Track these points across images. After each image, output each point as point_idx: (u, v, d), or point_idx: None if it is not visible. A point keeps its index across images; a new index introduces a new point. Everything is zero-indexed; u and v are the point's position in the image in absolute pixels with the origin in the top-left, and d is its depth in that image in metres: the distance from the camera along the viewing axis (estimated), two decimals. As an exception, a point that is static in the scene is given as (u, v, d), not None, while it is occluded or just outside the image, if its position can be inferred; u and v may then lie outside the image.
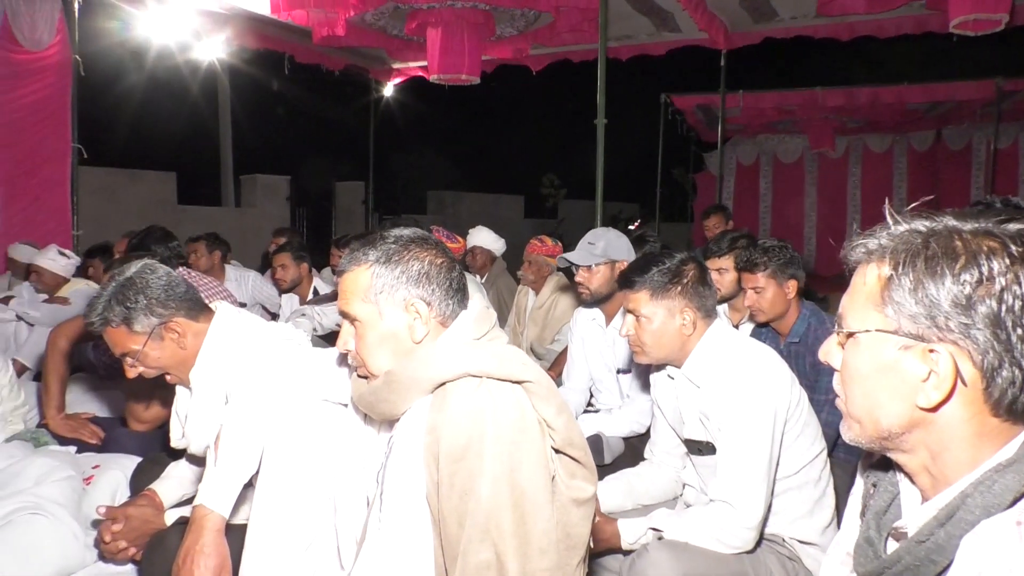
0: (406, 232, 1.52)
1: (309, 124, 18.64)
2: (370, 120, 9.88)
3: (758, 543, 1.94)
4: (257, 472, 1.73)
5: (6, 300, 4.89)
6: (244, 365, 1.91)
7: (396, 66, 8.88)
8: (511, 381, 1.41)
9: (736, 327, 3.30)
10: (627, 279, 2.11)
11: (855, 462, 1.26)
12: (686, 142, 12.03)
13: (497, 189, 16.96)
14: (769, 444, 1.90)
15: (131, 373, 2.00)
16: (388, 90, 9.51)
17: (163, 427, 2.89)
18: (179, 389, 2.12)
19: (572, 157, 18.53)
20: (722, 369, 2.00)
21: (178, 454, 2.31)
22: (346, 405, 1.72)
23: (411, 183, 17.08)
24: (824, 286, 7.22)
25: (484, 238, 5.41)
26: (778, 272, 2.80)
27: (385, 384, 1.45)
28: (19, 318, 4.74)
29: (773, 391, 1.95)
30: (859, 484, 1.21)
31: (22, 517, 2.14)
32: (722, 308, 3.47)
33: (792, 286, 2.81)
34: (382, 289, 1.46)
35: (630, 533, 2.00)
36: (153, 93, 14.82)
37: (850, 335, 1.00)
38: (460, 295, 1.52)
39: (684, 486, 2.26)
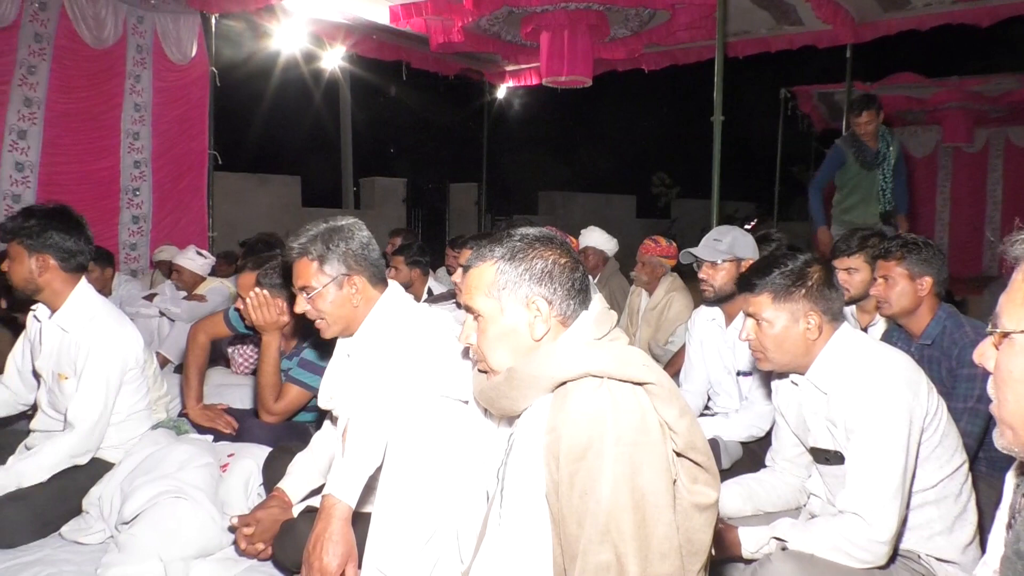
0: (532, 231, 1.54)
1: (424, 127, 19.11)
2: (483, 122, 10.03)
3: (892, 559, 1.84)
4: (382, 464, 1.78)
5: (150, 297, 5.27)
6: (398, 345, 1.99)
7: (509, 69, 8.98)
8: (632, 382, 1.39)
9: (865, 330, 3.15)
10: (747, 282, 2.04)
11: (999, 476, 1.17)
12: (806, 138, 11.56)
13: (609, 189, 16.85)
14: (904, 454, 1.80)
15: (299, 307, 2.12)
16: (501, 92, 9.63)
17: (291, 419, 3.04)
18: (339, 353, 2.22)
19: (685, 155, 18.17)
20: (851, 375, 1.90)
21: (303, 445, 2.43)
22: (466, 402, 1.76)
23: (523, 184, 17.21)
24: (959, 288, 6.75)
25: (596, 238, 5.39)
26: (914, 266, 2.64)
27: (506, 381, 1.47)
28: (162, 314, 5.10)
29: (908, 397, 1.84)
30: (1007, 497, 1.13)
31: (167, 500, 2.30)
32: (849, 310, 3.31)
33: (926, 283, 2.64)
34: (505, 285, 1.48)
35: (751, 541, 1.94)
36: (280, 101, 15.59)
37: (1005, 335, 0.93)
38: (582, 295, 1.52)
39: (809, 496, 2.17)
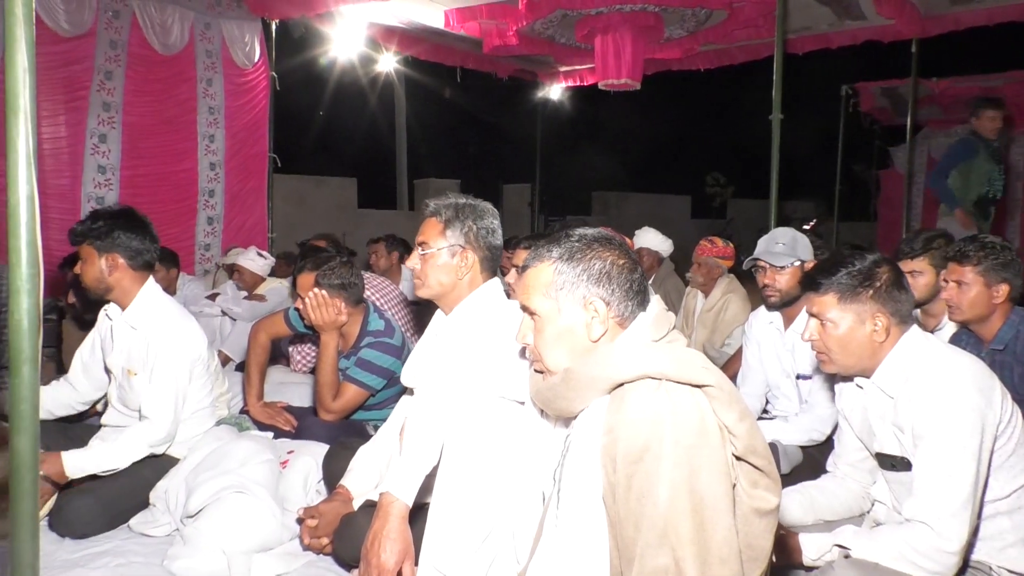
0: (590, 231, 1.54)
1: (478, 129, 19.22)
2: (536, 123, 10.03)
3: (961, 570, 1.77)
4: (439, 463, 1.80)
5: (213, 297, 5.41)
6: (472, 341, 2.03)
7: (563, 69, 8.97)
8: (691, 384, 1.38)
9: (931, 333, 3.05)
10: (812, 280, 1.99)
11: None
12: (869, 136, 11.25)
13: (663, 189, 16.69)
14: (975, 462, 1.74)
15: (410, 261, 2.21)
16: (555, 93, 9.62)
17: (349, 417, 3.09)
18: (430, 330, 2.28)
19: (742, 155, 17.88)
20: (920, 379, 1.84)
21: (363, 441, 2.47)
22: (523, 403, 1.76)
23: (576, 184, 17.16)
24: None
25: (651, 239, 5.34)
26: (990, 271, 2.54)
27: (563, 381, 1.47)
28: (224, 313, 5.23)
29: (980, 403, 1.78)
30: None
31: (229, 495, 2.36)
32: (914, 313, 3.22)
33: (1003, 291, 2.54)
34: (562, 286, 1.48)
35: (813, 548, 1.90)
36: (336, 104, 15.87)
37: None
38: (640, 296, 1.51)
39: (873, 503, 2.11)
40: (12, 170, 1.48)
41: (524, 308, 1.55)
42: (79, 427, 2.91)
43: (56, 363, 4.19)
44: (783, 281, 2.92)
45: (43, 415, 2.80)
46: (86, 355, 2.91)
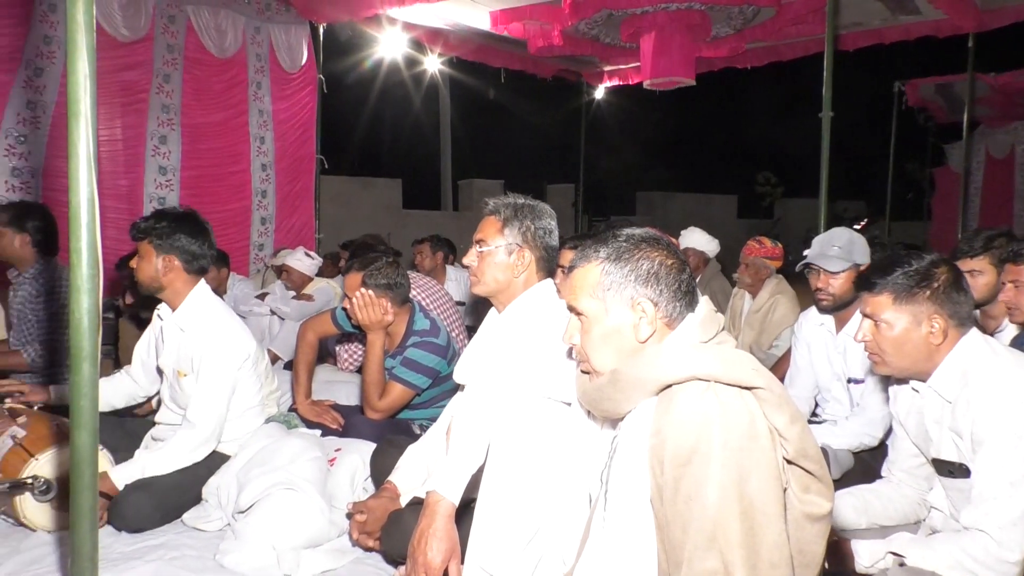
0: (637, 231, 1.53)
1: (522, 129, 19.23)
2: (581, 123, 10.00)
3: (1021, 580, 1.72)
4: (485, 463, 1.81)
5: (262, 297, 5.51)
6: (521, 342, 2.04)
7: (608, 69, 8.92)
8: (740, 387, 1.36)
9: (990, 335, 2.96)
10: (867, 280, 1.95)
11: None
12: (922, 134, 10.97)
13: (708, 189, 16.50)
14: (1037, 469, 1.68)
15: (467, 258, 2.24)
16: (599, 93, 9.58)
17: (395, 416, 3.11)
18: (484, 327, 2.31)
19: (790, 153, 17.59)
20: (979, 383, 1.79)
21: (410, 441, 2.49)
22: (569, 404, 1.76)
23: (620, 184, 17.07)
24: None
25: (697, 239, 5.28)
26: None
27: (610, 382, 1.46)
28: (272, 313, 5.33)
29: (1044, 409, 1.72)
30: None
31: (279, 491, 2.40)
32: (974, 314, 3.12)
33: None
34: (610, 286, 1.47)
35: (866, 555, 1.85)
36: (381, 106, 16.03)
37: None
38: (689, 297, 1.49)
39: (930, 509, 2.06)
40: (73, 173, 1.53)
41: (571, 308, 1.54)
42: (136, 422, 2.99)
43: (113, 360, 4.32)
44: (837, 285, 2.85)
45: (104, 407, 2.90)
46: (143, 352, 2.98)
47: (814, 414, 3.19)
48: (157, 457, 2.59)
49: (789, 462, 1.37)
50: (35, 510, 2.35)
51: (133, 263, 2.76)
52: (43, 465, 2.35)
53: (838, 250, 2.85)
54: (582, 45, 7.25)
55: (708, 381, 1.36)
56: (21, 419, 2.58)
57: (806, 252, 2.96)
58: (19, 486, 2.27)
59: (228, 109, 7.10)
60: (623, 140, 18.74)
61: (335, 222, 9.25)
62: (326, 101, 7.68)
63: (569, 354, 1.71)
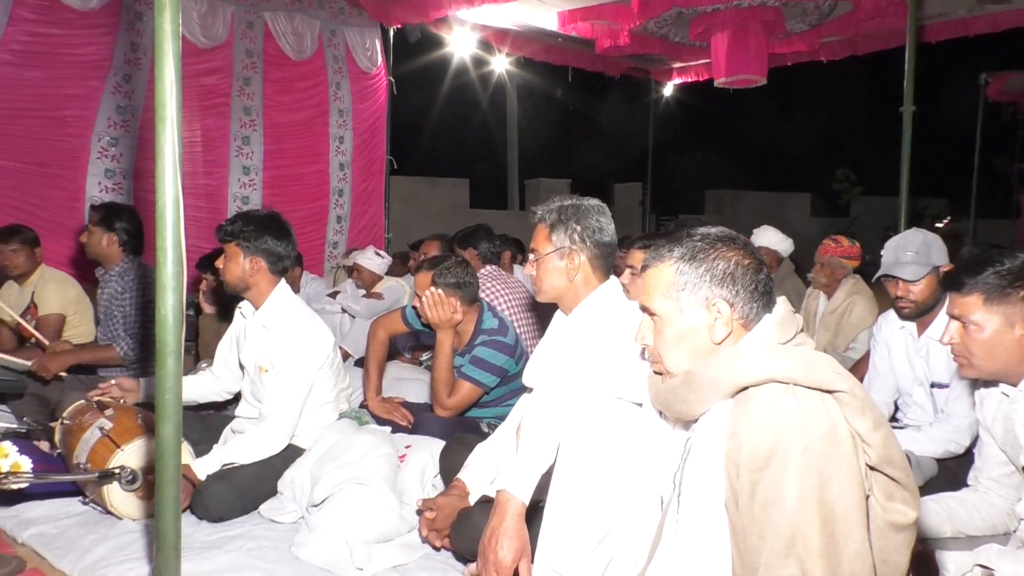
0: (713, 230, 1.50)
1: (588, 128, 19.13)
2: (648, 120, 9.90)
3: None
4: (555, 462, 1.80)
5: (334, 295, 5.64)
6: (589, 342, 2.03)
7: (676, 66, 8.80)
8: (821, 390, 1.32)
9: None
10: (955, 280, 1.86)
11: None
12: (1010, 127, 10.47)
13: (780, 187, 16.10)
14: None
15: (527, 267, 2.26)
16: (668, 90, 9.46)
17: (464, 414, 3.14)
18: (551, 331, 2.32)
19: (865, 150, 17.03)
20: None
21: (478, 439, 2.51)
22: (640, 404, 1.74)
23: (689, 183, 16.82)
24: None
25: (770, 238, 5.16)
26: None
27: (683, 384, 1.44)
28: (343, 310, 5.44)
29: None
30: None
31: (351, 486, 2.44)
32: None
33: None
34: (684, 286, 1.45)
35: (953, 567, 1.78)
36: (449, 107, 16.18)
37: None
38: (766, 298, 1.46)
39: (1020, 521, 1.96)
40: (160, 175, 1.58)
41: (644, 309, 1.53)
42: (216, 417, 3.09)
43: (194, 356, 4.47)
44: (917, 291, 2.73)
45: (186, 402, 3.01)
46: (225, 350, 3.08)
47: (894, 419, 3.07)
48: (233, 451, 2.67)
49: (872, 468, 1.33)
50: (122, 499, 2.45)
51: (219, 263, 2.85)
52: (129, 456, 2.45)
53: (913, 255, 2.73)
54: (650, 44, 7.17)
55: (787, 384, 1.32)
56: (108, 412, 2.69)
57: (882, 258, 2.84)
58: (107, 476, 2.37)
59: (309, 109, 7.34)
60: (692, 137, 18.47)
61: (403, 222, 9.38)
62: (395, 102, 7.81)
63: (642, 355, 1.70)
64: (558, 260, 2.18)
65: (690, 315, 1.45)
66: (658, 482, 1.64)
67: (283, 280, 2.88)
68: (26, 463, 2.16)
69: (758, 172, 18.69)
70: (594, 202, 2.25)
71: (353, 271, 5.81)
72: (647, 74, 9.13)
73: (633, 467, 1.71)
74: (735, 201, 14.96)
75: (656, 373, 1.54)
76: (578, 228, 2.18)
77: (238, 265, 2.78)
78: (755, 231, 5.24)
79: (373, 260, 5.66)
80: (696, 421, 1.47)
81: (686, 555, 1.41)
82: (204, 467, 2.60)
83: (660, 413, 1.63)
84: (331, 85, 7.43)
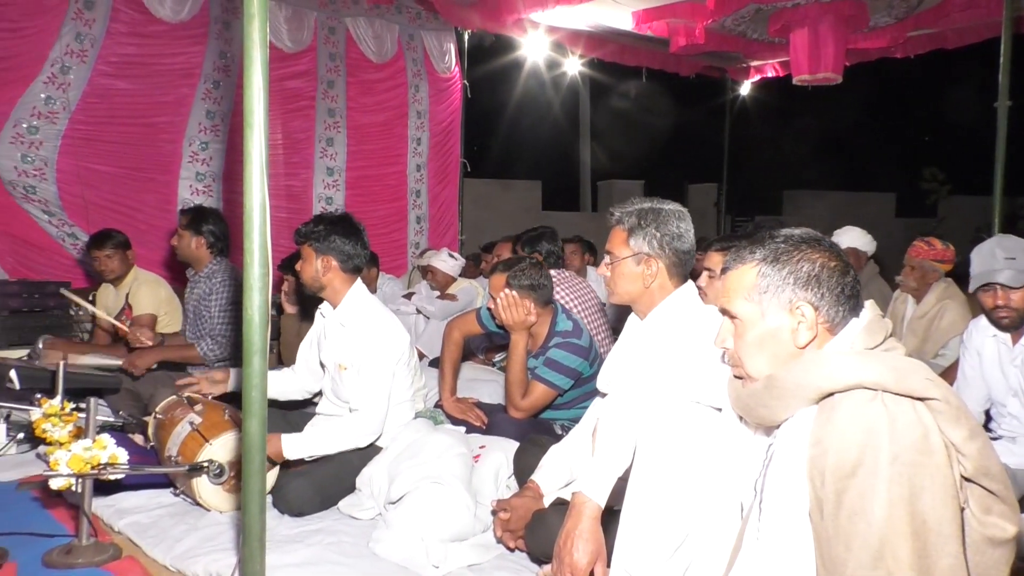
0: (796, 232, 1.47)
1: (662, 128, 18.89)
2: (724, 120, 9.71)
3: None
4: (631, 466, 1.79)
5: (409, 296, 5.73)
6: (665, 346, 2.02)
7: (753, 64, 8.61)
8: (912, 397, 1.27)
9: None
10: None
11: None
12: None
13: (863, 186, 15.55)
14: None
15: (600, 268, 2.25)
16: (744, 89, 9.27)
17: (538, 416, 3.14)
18: (625, 335, 2.31)
19: (955, 147, 16.29)
20: None
21: (553, 440, 2.51)
22: (719, 409, 1.71)
23: (765, 183, 16.40)
24: None
25: (854, 238, 4.99)
26: None
27: (765, 388, 1.41)
28: (418, 311, 5.52)
29: None
30: None
31: (427, 485, 2.47)
32: None
33: None
34: (767, 289, 1.42)
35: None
36: (521, 109, 16.22)
37: None
38: (852, 301, 1.42)
39: None
40: (248, 179, 1.64)
41: (724, 311, 1.50)
42: (297, 414, 3.18)
43: (276, 355, 4.61)
44: (1017, 299, 2.60)
45: (277, 396, 3.11)
46: (306, 350, 3.17)
47: (987, 429, 2.93)
48: (324, 436, 2.72)
49: (967, 480, 1.27)
50: (210, 491, 2.54)
51: (298, 266, 2.94)
52: (216, 450, 2.54)
53: (1011, 260, 2.59)
54: (727, 41, 7.03)
55: (875, 390, 1.28)
56: (198, 407, 2.80)
57: (972, 267, 2.70)
58: (196, 469, 2.47)
59: (389, 111, 7.54)
60: (769, 137, 18.00)
61: (476, 224, 9.45)
62: (469, 105, 7.89)
63: (721, 358, 1.67)
64: (634, 265, 2.15)
65: (773, 318, 1.42)
66: (738, 488, 1.61)
67: (359, 280, 2.95)
68: (123, 455, 2.27)
69: (838, 171, 18.08)
70: (674, 206, 2.21)
71: (427, 273, 5.89)
72: (723, 73, 8.96)
73: (712, 472, 1.68)
74: (814, 201, 14.51)
75: (736, 377, 1.51)
76: (657, 234, 2.15)
77: (312, 265, 2.87)
78: (837, 231, 5.07)
79: (447, 262, 5.73)
80: (778, 427, 1.44)
81: (768, 565, 1.38)
82: (293, 445, 2.65)
83: (740, 418, 1.60)
84: (410, 87, 7.59)
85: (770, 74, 8.63)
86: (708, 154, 11.55)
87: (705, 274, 2.91)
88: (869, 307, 1.45)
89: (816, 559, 1.32)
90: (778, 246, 1.44)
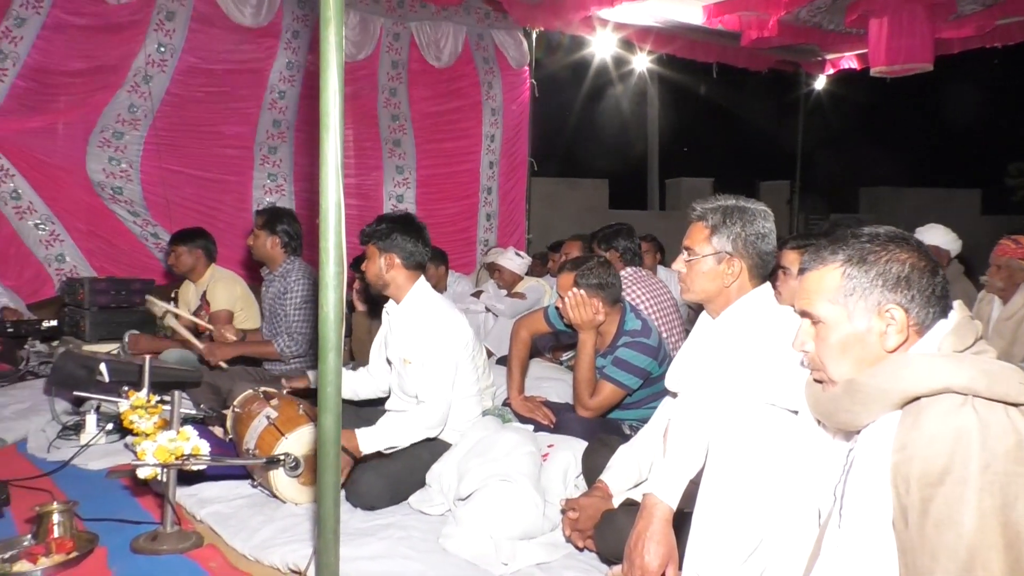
0: (881, 230, 1.42)
1: (733, 125, 18.53)
2: (798, 115, 9.46)
3: None
4: (704, 468, 1.76)
5: (477, 295, 5.77)
6: (739, 346, 1.98)
7: (829, 57, 8.37)
8: (1005, 403, 1.22)
9: None
10: None
11: None
12: None
13: (946, 183, 14.93)
14: None
15: (676, 264, 2.20)
16: (819, 83, 9.01)
17: (606, 415, 3.12)
18: (695, 334, 2.27)
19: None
20: None
21: (623, 438, 2.49)
22: (796, 412, 1.67)
23: (841, 180, 15.91)
24: None
25: (938, 236, 4.80)
26: None
27: (846, 393, 1.37)
28: (487, 309, 5.56)
29: None
30: None
31: (496, 483, 2.48)
32: None
33: None
34: (853, 291, 1.38)
35: None
36: (589, 107, 16.15)
37: None
38: (942, 303, 1.36)
39: None
40: (323, 180, 1.68)
41: (803, 314, 1.46)
42: (370, 410, 3.24)
43: (348, 351, 4.71)
44: None
45: (351, 396, 3.19)
46: (375, 350, 3.23)
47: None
48: (395, 428, 2.77)
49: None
50: (286, 484, 2.61)
51: (364, 266, 3.01)
52: (292, 444, 2.61)
53: None
54: (802, 33, 6.86)
55: (965, 395, 1.23)
56: (274, 402, 2.88)
57: None
58: (273, 462, 2.54)
59: (462, 110, 7.62)
60: (845, 132, 17.44)
61: (543, 223, 9.45)
62: (536, 104, 7.90)
63: (801, 362, 1.62)
64: (715, 264, 2.10)
65: (859, 322, 1.38)
66: (815, 494, 1.56)
67: (422, 277, 3.00)
68: (205, 447, 2.35)
69: (919, 167, 17.42)
70: (759, 206, 2.14)
71: (494, 271, 5.92)
72: (796, 67, 8.74)
73: (787, 476, 1.64)
74: (893, 198, 14.00)
75: (816, 381, 1.47)
76: (742, 233, 2.09)
77: (375, 263, 2.95)
78: (919, 229, 4.89)
79: (513, 260, 5.75)
80: (859, 432, 1.40)
81: (848, 574, 1.34)
82: (367, 439, 2.70)
83: (818, 422, 1.55)
84: (483, 84, 7.65)
85: (846, 67, 8.37)
86: (780, 151, 11.27)
87: (780, 272, 2.84)
88: (958, 308, 1.39)
89: (900, 569, 1.27)
90: (864, 246, 1.39)
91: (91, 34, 5.65)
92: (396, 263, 2.93)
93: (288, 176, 6.67)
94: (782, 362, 1.73)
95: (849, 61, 8.25)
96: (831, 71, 8.65)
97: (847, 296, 1.38)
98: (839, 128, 16.41)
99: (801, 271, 1.49)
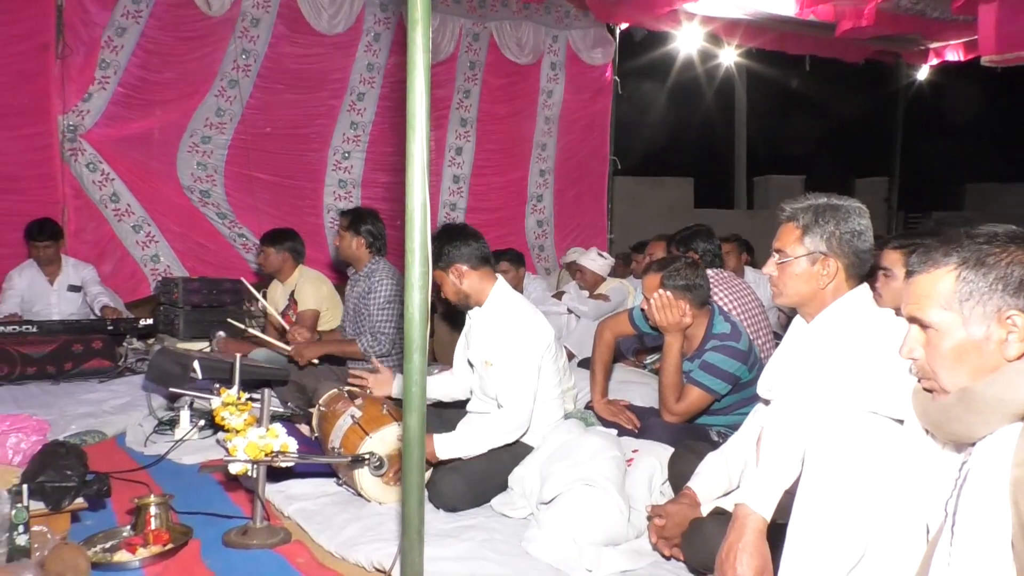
0: (1000, 230, 1.31)
1: (825, 120, 17.87)
2: (896, 109, 9.04)
3: None
4: (799, 478, 1.67)
5: (559, 296, 5.73)
6: (838, 350, 1.89)
7: (932, 47, 7.95)
8: None
9: None
10: None
11: None
12: None
13: (1060, 178, 14.02)
14: None
15: (767, 267, 2.11)
16: (921, 74, 8.58)
17: (693, 421, 3.04)
18: (789, 338, 2.18)
19: None
20: None
21: (712, 445, 2.41)
22: (901, 421, 1.56)
23: (943, 176, 15.12)
24: None
25: (1052, 236, 4.47)
26: None
27: (960, 403, 1.28)
28: (569, 311, 5.51)
29: None
30: None
31: (579, 487, 2.44)
32: None
33: None
34: (969, 296, 1.28)
35: None
36: (674, 104, 15.87)
37: None
38: None
39: None
40: (410, 180, 1.67)
41: (914, 319, 1.36)
42: (452, 412, 3.25)
43: (430, 352, 4.75)
44: None
45: (440, 397, 3.23)
46: (459, 352, 3.24)
47: None
48: (474, 434, 2.77)
49: None
50: (370, 483, 2.64)
51: (441, 293, 3.01)
52: (376, 443, 2.63)
53: None
54: (902, 22, 6.54)
55: None
56: (358, 401, 2.92)
57: None
58: (358, 461, 2.57)
59: (518, 116, 7.64)
60: (948, 126, 16.56)
61: (626, 222, 9.33)
62: (619, 101, 7.80)
63: (909, 369, 1.52)
64: (809, 265, 2.01)
65: (976, 328, 1.28)
66: (923, 508, 1.47)
67: (500, 277, 2.99)
68: (293, 444, 2.40)
69: (1029, 162, 16.38)
70: (853, 203, 2.04)
71: (576, 272, 5.87)
72: (896, 57, 8.34)
73: (892, 489, 1.54)
74: (1002, 196, 13.24)
75: (926, 390, 1.38)
76: (836, 232, 2.00)
77: (448, 284, 2.95)
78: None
79: (596, 261, 5.69)
80: (973, 444, 1.30)
81: (961, 595, 1.24)
82: (443, 442, 2.71)
83: (927, 432, 1.46)
84: (542, 93, 7.64)
85: (952, 57, 7.93)
86: (877, 146, 10.81)
87: (880, 273, 2.70)
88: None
89: (1020, 592, 1.18)
90: (981, 247, 1.29)
91: (183, 41, 5.93)
92: (464, 271, 2.92)
93: (357, 182, 6.80)
94: (885, 368, 1.63)
95: (954, 51, 7.81)
96: (935, 61, 8.21)
97: (963, 301, 1.29)
98: (943, 121, 15.61)
99: (909, 274, 1.39)
